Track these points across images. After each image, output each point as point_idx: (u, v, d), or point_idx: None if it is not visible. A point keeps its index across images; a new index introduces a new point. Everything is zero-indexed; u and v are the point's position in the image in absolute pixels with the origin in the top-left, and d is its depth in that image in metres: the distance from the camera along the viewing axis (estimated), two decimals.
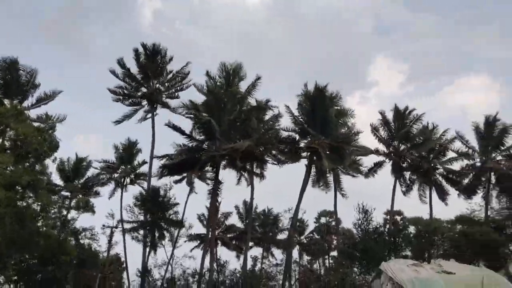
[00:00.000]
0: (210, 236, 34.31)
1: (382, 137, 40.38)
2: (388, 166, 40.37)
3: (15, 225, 20.39)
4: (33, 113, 34.11)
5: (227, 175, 42.05)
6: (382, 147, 40.53)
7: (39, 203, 22.18)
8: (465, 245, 31.10)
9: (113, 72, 39.16)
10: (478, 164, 39.90)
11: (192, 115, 33.60)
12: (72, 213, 29.33)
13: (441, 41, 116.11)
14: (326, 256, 52.00)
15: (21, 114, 24.93)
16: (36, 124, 29.06)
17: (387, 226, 36.60)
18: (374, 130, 40.26)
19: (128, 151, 41.08)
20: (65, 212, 27.47)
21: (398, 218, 43.19)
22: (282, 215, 43.80)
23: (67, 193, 37.09)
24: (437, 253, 31.99)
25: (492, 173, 39.20)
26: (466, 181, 40.46)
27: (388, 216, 40.43)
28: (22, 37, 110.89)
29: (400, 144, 40.40)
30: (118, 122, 39.59)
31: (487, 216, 38.44)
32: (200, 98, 34.67)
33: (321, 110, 34.26)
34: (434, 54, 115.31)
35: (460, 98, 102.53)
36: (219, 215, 43.37)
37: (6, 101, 33.55)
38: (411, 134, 39.69)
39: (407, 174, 41.47)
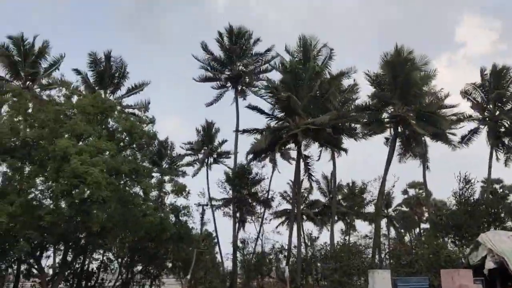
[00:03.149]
0: (296, 211, 34.87)
1: (475, 100, 37.58)
2: (483, 133, 37.76)
3: (119, 208, 22.49)
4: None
5: (308, 151, 42.07)
6: (474, 112, 37.96)
7: (141, 188, 24.26)
8: None
9: (197, 58, 39.89)
10: None
11: (270, 93, 33.99)
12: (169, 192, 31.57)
13: None
14: (417, 229, 50.47)
15: (122, 109, 27.57)
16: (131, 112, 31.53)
17: (485, 195, 34.36)
18: (465, 93, 37.55)
19: (208, 132, 42.67)
20: (162, 193, 29.50)
21: (497, 187, 40.24)
22: (372, 184, 42.80)
23: (157, 174, 39.56)
24: None
25: None
26: None
27: (486, 185, 37.81)
28: (101, 27, 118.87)
29: (496, 108, 37.32)
30: (209, 104, 40.91)
31: None
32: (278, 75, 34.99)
33: (405, 76, 32.49)
34: None
35: None
36: (302, 190, 43.70)
37: (101, 91, 36.33)
38: (507, 95, 36.46)
39: (506, 140, 38.26)
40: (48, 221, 20.54)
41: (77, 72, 36.23)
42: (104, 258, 35.39)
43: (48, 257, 30.92)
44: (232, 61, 39.95)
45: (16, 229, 21.87)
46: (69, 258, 28.34)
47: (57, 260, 32.69)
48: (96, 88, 36.59)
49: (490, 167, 36.25)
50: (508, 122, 37.12)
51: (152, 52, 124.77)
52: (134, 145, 26.04)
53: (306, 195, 45.79)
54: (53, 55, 35.70)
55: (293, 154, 37.43)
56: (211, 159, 43.14)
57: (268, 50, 39.36)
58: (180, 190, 28.14)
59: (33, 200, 22.94)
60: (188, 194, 29.01)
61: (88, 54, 36.50)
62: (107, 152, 22.67)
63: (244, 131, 35.77)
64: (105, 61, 36.59)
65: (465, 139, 37.53)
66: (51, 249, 28.79)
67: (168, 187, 29.81)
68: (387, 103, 34.07)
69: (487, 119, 37.48)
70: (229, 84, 41.00)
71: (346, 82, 36.45)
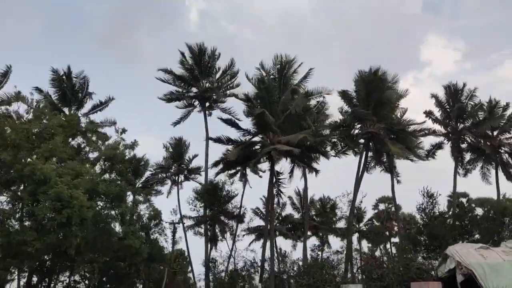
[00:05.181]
0: (269, 227, 34.77)
1: (438, 119, 39.09)
2: (447, 147, 39.19)
3: (94, 230, 22.02)
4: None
5: (280, 166, 42.19)
6: (439, 128, 39.39)
7: (118, 211, 23.84)
8: None
9: (161, 79, 39.63)
10: None
11: (247, 106, 34.11)
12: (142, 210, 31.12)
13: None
14: (387, 243, 51.21)
15: (98, 130, 27.14)
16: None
17: (451, 209, 35.36)
18: (429, 114, 38.95)
19: (177, 149, 42.10)
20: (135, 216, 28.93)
21: (463, 200, 41.48)
22: (340, 199, 43.24)
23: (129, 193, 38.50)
24: (508, 235, 30.44)
25: None
26: None
27: (452, 199, 38.98)
28: (74, 46, 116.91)
29: (458, 124, 38.84)
30: (175, 123, 40.50)
31: None
32: (251, 92, 35.20)
33: (376, 94, 33.36)
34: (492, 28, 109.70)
35: None
36: (275, 206, 43.61)
37: (65, 109, 35.24)
38: (467, 111, 38.06)
39: (468, 155, 39.83)
40: (36, 248, 19.73)
41: (38, 90, 34.18)
42: (71, 280, 34.17)
43: (13, 280, 29.62)
44: (197, 79, 39.85)
45: None
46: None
47: (21, 283, 31.34)
48: (59, 105, 35.38)
49: (455, 181, 37.52)
50: (470, 137, 38.62)
51: (123, 72, 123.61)
52: (112, 170, 25.71)
53: (279, 211, 45.79)
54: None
55: (263, 167, 37.46)
56: (181, 177, 42.57)
57: (232, 65, 39.40)
58: (154, 216, 28.05)
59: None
60: (161, 220, 28.90)
61: (51, 71, 34.62)
62: (86, 175, 22.20)
63: (217, 140, 35.38)
64: (66, 78, 34.95)
65: (430, 153, 38.75)
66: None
67: (142, 208, 29.57)
68: (360, 119, 34.75)
69: (450, 134, 38.86)
70: (196, 102, 40.83)
71: (314, 100, 37.14)
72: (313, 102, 37.10)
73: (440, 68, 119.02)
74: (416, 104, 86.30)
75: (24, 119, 26.23)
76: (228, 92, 40.37)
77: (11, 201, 23.36)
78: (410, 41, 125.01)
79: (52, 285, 32.59)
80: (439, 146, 39.15)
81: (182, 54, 39.02)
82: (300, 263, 35.50)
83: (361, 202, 44.76)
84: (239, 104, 36.96)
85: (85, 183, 21.23)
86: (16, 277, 29.71)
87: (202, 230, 38.10)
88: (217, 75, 40.30)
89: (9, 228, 21.73)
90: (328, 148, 36.97)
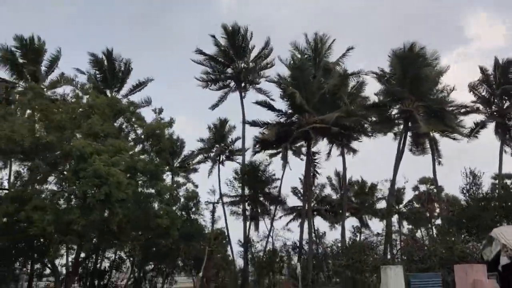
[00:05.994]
0: (306, 207, 34.79)
1: (482, 95, 37.27)
2: (491, 126, 37.44)
3: (136, 208, 22.69)
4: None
5: (319, 147, 41.87)
6: (482, 107, 37.62)
7: (156, 190, 24.32)
8: None
9: (196, 61, 39.59)
10: None
11: (280, 88, 33.84)
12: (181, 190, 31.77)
13: None
14: (429, 225, 50.05)
15: (135, 110, 27.88)
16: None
17: (496, 190, 33.93)
18: (473, 89, 37.22)
19: (221, 129, 42.59)
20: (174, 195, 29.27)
21: (508, 181, 39.68)
22: (382, 183, 42.35)
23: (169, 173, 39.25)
24: None
25: None
26: None
27: (497, 180, 37.35)
28: (109, 28, 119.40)
29: (504, 101, 36.92)
30: (214, 106, 40.72)
31: None
32: (285, 73, 34.89)
33: (413, 71, 32.16)
34: None
35: None
36: (314, 187, 43.48)
37: (107, 91, 36.12)
38: None
39: None
40: (82, 225, 20.33)
41: (79, 71, 35.05)
42: (116, 257, 35.70)
43: (62, 256, 31.26)
44: (232, 60, 39.53)
45: (48, 234, 21.71)
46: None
47: (69, 259, 33.04)
48: (102, 87, 36.23)
49: (500, 161, 35.91)
50: None
51: (158, 53, 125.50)
52: (152, 148, 26.29)
53: (317, 192, 45.62)
54: (51, 52, 34.02)
55: (304, 150, 37.28)
56: (223, 157, 43.10)
57: (267, 45, 38.78)
58: (191, 198, 28.61)
59: (46, 199, 23.10)
60: (199, 202, 29.51)
61: (90, 54, 35.55)
62: (126, 152, 22.72)
63: (253, 123, 35.50)
64: (107, 59, 35.79)
65: (473, 133, 37.11)
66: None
67: (181, 190, 30.26)
68: (397, 99, 33.65)
69: (495, 113, 37.06)
70: (232, 84, 40.67)
71: (352, 80, 36.42)
72: (351, 83, 36.40)
73: (489, 43, 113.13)
74: (464, 80, 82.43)
75: (70, 100, 27.31)
76: (262, 72, 40.10)
77: (58, 182, 24.42)
78: (456, 15, 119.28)
79: (99, 261, 34.24)
80: (482, 125, 37.44)
81: (213, 37, 38.55)
82: (339, 244, 35.37)
83: (403, 185, 43.99)
84: (274, 85, 36.68)
85: (124, 160, 21.66)
86: (65, 253, 31.42)
87: (240, 210, 38.52)
88: (252, 55, 40.01)
89: (58, 207, 22.75)
90: (369, 129, 36.23)
